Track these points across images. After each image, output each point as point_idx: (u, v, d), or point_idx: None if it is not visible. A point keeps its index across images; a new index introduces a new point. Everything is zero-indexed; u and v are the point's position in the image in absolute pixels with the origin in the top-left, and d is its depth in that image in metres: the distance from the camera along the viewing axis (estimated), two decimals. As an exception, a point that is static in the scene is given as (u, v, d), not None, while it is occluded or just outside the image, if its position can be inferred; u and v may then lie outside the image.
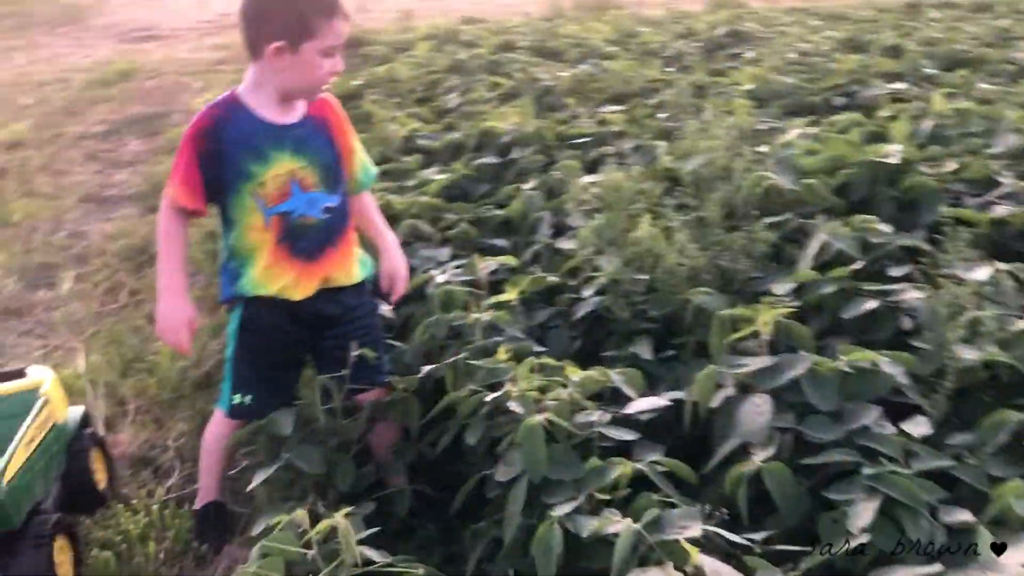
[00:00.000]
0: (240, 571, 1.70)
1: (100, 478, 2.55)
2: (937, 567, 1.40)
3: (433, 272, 2.86)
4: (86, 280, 4.20)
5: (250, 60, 2.16)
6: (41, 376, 2.51)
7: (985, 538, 1.46)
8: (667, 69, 5.74)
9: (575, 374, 2.12)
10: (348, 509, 1.76)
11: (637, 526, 1.56)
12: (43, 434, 2.33)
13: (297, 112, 2.21)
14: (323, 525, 1.70)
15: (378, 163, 4.14)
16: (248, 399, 2.31)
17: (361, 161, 2.40)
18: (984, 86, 4.54)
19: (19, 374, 2.55)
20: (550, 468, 1.82)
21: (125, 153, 6.52)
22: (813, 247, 2.54)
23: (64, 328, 3.70)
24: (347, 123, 2.35)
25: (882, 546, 1.55)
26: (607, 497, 1.75)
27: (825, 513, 1.66)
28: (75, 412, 2.60)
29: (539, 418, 1.87)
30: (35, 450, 2.26)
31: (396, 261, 2.47)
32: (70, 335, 3.63)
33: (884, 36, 6.66)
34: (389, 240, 2.50)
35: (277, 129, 2.17)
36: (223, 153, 2.13)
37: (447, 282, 2.73)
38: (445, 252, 3.13)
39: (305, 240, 2.24)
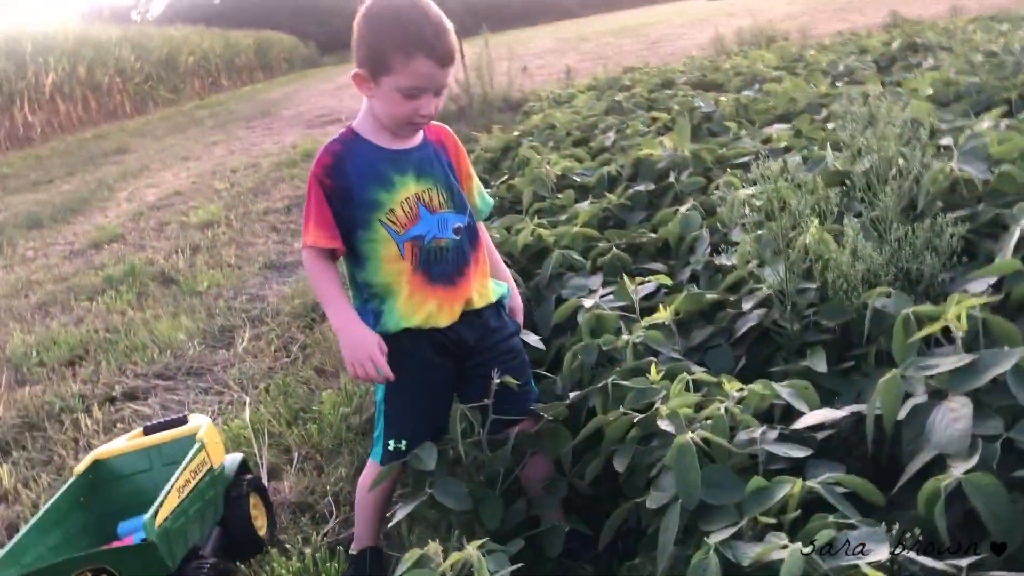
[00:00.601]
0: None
1: (260, 524, 2.54)
2: None
3: (583, 299, 2.71)
4: (261, 339, 4.35)
5: None
6: (198, 423, 2.55)
7: None
8: (836, 84, 5.38)
9: (735, 389, 1.89)
10: (482, 541, 1.61)
11: (807, 550, 1.32)
12: (197, 479, 2.34)
13: (416, 138, 2.18)
14: (455, 557, 1.57)
15: (531, 203, 4.09)
16: (403, 444, 2.21)
17: (478, 187, 2.34)
18: None
19: (182, 421, 2.60)
20: (706, 492, 1.60)
21: (304, 223, 6.81)
22: (1015, 236, 2.19)
23: (237, 383, 3.81)
24: (463, 150, 2.32)
25: None
26: (773, 521, 1.51)
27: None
28: (233, 459, 2.61)
29: (691, 436, 1.66)
30: (189, 494, 2.27)
31: (515, 294, 2.42)
32: (242, 390, 3.73)
33: (1087, 28, 5.98)
34: (506, 274, 2.45)
35: (397, 154, 2.13)
36: (349, 187, 2.10)
37: (596, 306, 2.58)
38: (596, 280, 2.98)
39: (441, 264, 2.16)
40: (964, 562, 1.32)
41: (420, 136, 2.18)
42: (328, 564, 2.35)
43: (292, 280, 5.33)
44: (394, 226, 2.11)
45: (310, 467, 2.99)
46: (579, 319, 2.63)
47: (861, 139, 2.65)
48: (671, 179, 3.76)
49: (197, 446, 2.40)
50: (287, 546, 2.48)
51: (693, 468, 1.62)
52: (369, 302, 2.19)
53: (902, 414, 1.71)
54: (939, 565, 1.30)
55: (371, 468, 2.30)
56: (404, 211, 2.11)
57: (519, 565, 1.66)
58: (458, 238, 2.17)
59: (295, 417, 3.36)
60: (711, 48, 11.60)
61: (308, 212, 2.11)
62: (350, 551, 2.38)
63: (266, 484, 2.78)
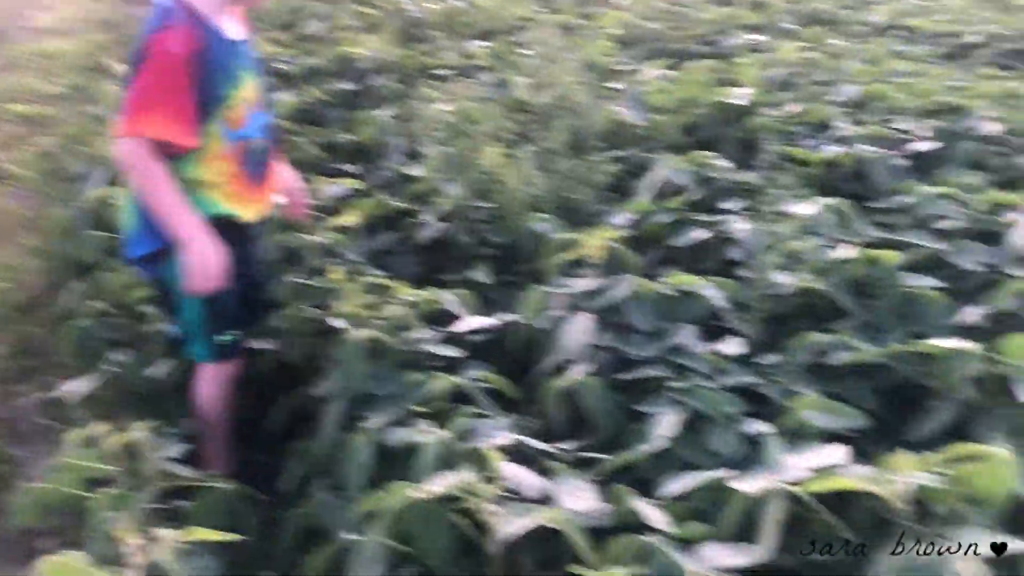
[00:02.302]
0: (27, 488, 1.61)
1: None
2: (722, 472, 1.45)
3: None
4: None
5: None
6: None
7: (772, 445, 1.52)
8: (536, 8, 5.70)
9: (407, 294, 2.09)
10: (154, 424, 1.69)
11: (445, 435, 1.56)
12: None
13: (242, 28, 2.01)
14: (121, 438, 1.63)
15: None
16: (232, 335, 2.07)
17: None
18: (835, 41, 4.70)
19: None
20: (369, 383, 1.80)
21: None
22: (652, 180, 2.58)
23: None
24: None
25: (684, 455, 1.60)
26: (423, 410, 1.74)
27: (635, 424, 1.70)
28: None
29: (361, 334, 1.84)
30: None
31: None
32: None
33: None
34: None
35: (237, 46, 1.96)
36: (206, 78, 1.86)
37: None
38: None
39: (256, 164, 2.04)
40: (569, 445, 1.64)
41: (241, 23, 2.02)
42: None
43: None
44: (229, 124, 1.95)
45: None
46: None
47: (544, 73, 2.92)
48: (374, 81, 3.84)
49: None
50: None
51: (360, 362, 1.80)
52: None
53: (543, 324, 2.02)
54: (548, 448, 1.60)
55: (207, 373, 2.10)
56: (241, 109, 1.96)
57: (190, 447, 1.76)
58: (269, 138, 2.09)
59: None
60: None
61: (152, 95, 1.80)
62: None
63: None
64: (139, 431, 1.65)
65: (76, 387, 2.17)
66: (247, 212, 2.05)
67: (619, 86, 3.34)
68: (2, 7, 7.87)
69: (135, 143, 1.80)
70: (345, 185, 2.83)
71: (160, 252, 1.96)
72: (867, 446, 1.67)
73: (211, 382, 2.10)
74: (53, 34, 6.43)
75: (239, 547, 1.45)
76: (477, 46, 4.55)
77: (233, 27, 1.96)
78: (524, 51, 4.34)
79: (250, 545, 1.68)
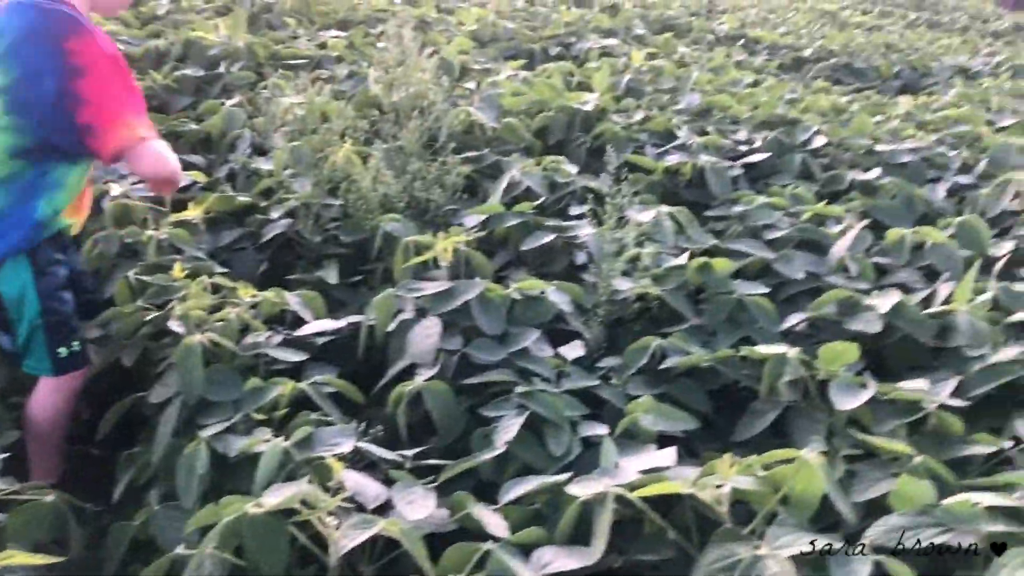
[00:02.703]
0: None
1: None
2: (562, 476, 1.49)
3: (112, 184, 2.63)
4: None
5: None
6: None
7: (608, 449, 1.57)
8: (396, 1, 5.65)
9: (249, 295, 2.04)
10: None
11: (284, 443, 1.53)
12: None
13: None
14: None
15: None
16: (75, 345, 2.00)
17: None
18: (684, 49, 4.90)
19: None
20: (207, 389, 1.74)
21: None
22: (504, 183, 2.62)
23: None
24: None
25: (524, 457, 1.63)
26: (264, 417, 1.70)
27: (479, 429, 1.73)
28: None
29: (198, 337, 1.78)
30: None
31: None
32: None
33: (607, -4, 6.98)
34: None
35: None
36: None
37: (124, 195, 2.52)
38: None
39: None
40: (411, 452, 1.64)
41: None
42: None
43: None
44: None
45: None
46: (103, 205, 2.55)
47: (398, 70, 2.90)
48: (222, 69, 3.71)
49: None
50: None
51: (197, 367, 1.74)
52: (40, 197, 1.91)
53: (392, 327, 2.01)
54: (390, 455, 1.60)
55: (47, 386, 2.02)
56: None
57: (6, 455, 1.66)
58: None
59: None
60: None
61: (123, 96, 1.86)
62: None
63: None
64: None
65: None
66: (77, 221, 2.06)
67: (472, 86, 3.36)
68: None
69: (150, 146, 1.88)
70: (189, 177, 2.72)
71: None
72: (698, 447, 1.77)
73: (52, 394, 2.02)
74: None
75: (64, 561, 1.39)
76: (332, 36, 4.47)
77: None
78: (380, 44, 4.30)
79: (76, 558, 1.61)
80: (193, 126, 3.19)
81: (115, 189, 2.57)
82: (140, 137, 1.85)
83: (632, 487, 1.40)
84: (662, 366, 1.89)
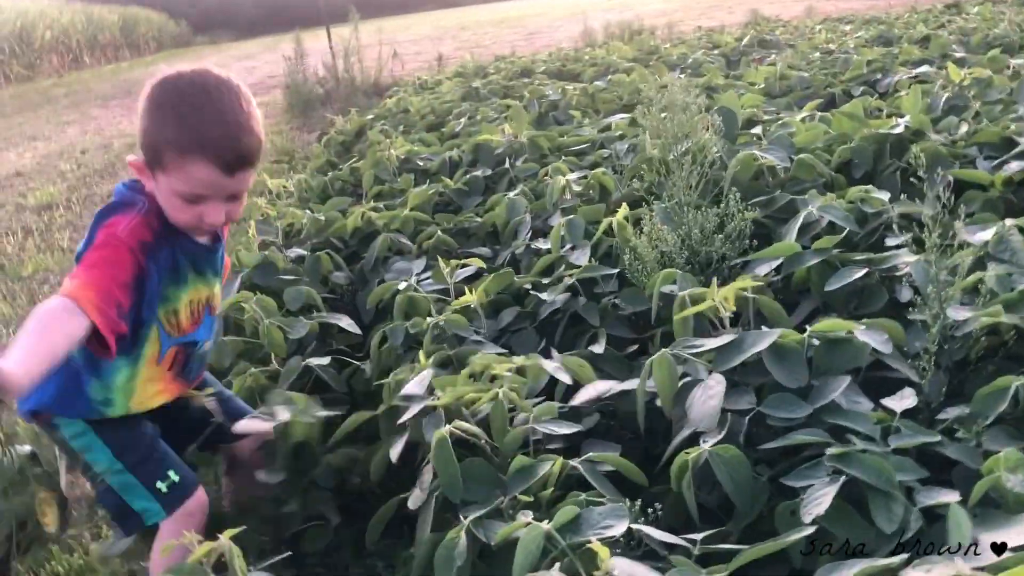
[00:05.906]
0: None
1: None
2: (896, 558, 1.12)
3: (400, 282, 2.67)
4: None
5: None
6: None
7: (959, 520, 1.17)
8: (681, 76, 5.51)
9: (506, 369, 1.88)
10: (236, 530, 1.55)
11: (545, 526, 1.32)
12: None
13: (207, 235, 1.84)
14: (204, 548, 1.50)
15: (371, 186, 4.02)
16: (172, 475, 1.84)
17: None
18: (1017, 61, 4.20)
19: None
20: (466, 488, 1.58)
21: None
22: (799, 221, 2.28)
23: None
24: None
25: (843, 536, 1.28)
26: (531, 499, 1.51)
27: (784, 503, 1.40)
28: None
29: (447, 429, 1.63)
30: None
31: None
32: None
33: (917, 31, 6.34)
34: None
35: (197, 247, 1.81)
36: (150, 275, 1.70)
37: (410, 288, 2.54)
38: (420, 264, 2.94)
39: (194, 365, 1.94)
40: (699, 536, 1.35)
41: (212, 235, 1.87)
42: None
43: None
44: (169, 327, 1.80)
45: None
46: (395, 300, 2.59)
47: (670, 125, 2.70)
48: (507, 165, 3.76)
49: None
50: (70, 541, 2.34)
51: (451, 462, 1.58)
52: (90, 387, 1.78)
53: (671, 390, 1.74)
54: (670, 539, 1.33)
55: (162, 531, 1.84)
56: (188, 313, 1.82)
57: (286, 554, 1.61)
58: (212, 339, 1.99)
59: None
60: (581, 40, 11.73)
61: (94, 274, 1.58)
62: None
63: (63, 477, 2.62)
64: (225, 539, 1.51)
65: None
66: (162, 400, 1.89)
67: (759, 131, 3.06)
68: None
69: (64, 302, 1.50)
70: (472, 265, 2.70)
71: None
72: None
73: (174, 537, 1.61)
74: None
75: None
76: (617, 119, 4.41)
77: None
78: (663, 115, 4.15)
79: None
80: (478, 219, 3.22)
81: (403, 285, 2.61)
82: (72, 295, 1.52)
83: (997, 570, 1.01)
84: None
